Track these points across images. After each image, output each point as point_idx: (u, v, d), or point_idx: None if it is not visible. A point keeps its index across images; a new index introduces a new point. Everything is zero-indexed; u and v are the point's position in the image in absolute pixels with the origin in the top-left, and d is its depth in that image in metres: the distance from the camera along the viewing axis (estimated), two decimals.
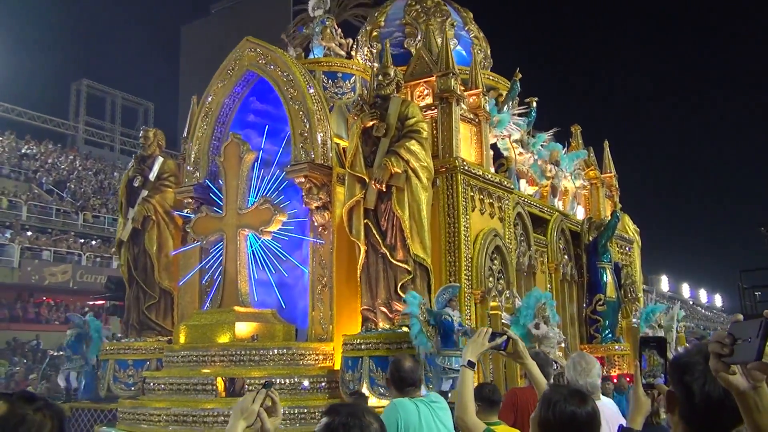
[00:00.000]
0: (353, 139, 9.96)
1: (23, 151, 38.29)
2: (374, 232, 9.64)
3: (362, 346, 9.20)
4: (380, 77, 10.15)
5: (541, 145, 14.46)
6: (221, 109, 11.58)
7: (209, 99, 11.66)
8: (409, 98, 11.19)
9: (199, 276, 11.54)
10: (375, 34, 14.72)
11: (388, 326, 9.33)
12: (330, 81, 11.96)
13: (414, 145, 9.63)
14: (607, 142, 16.58)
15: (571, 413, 2.67)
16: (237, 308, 9.99)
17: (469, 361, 3.44)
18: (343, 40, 12.57)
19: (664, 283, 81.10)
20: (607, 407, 4.12)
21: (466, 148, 11.14)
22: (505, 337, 3.55)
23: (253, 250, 10.70)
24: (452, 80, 10.72)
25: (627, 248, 15.95)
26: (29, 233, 30.81)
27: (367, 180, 9.71)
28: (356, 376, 9.15)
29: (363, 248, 9.70)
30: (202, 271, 11.44)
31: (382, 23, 14.89)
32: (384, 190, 9.61)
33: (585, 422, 2.68)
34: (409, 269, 9.42)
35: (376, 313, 9.52)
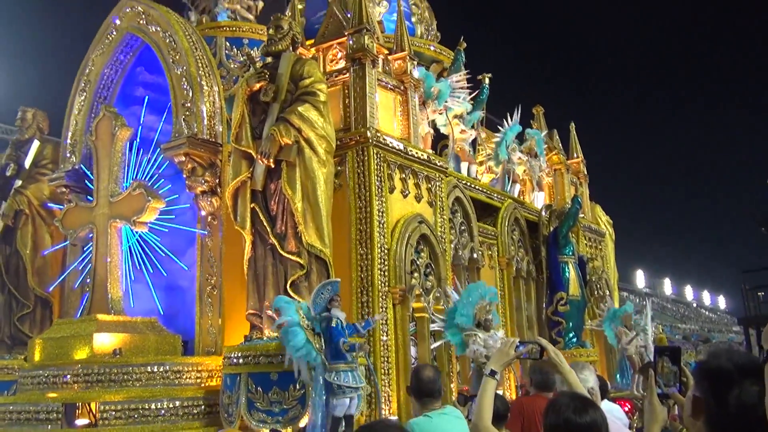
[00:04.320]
0: (238, 106, 8.13)
1: None
2: (262, 218, 7.82)
3: (241, 361, 7.36)
4: (271, 31, 8.35)
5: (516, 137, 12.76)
6: (101, 80, 9.79)
7: (87, 69, 9.87)
8: (321, 64, 9.42)
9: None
10: (300, 7, 12.96)
11: (275, 335, 7.48)
12: (235, 49, 10.20)
13: (308, 111, 7.82)
14: (573, 124, 14.80)
15: (565, 420, 2.67)
16: (99, 316, 8.16)
17: (492, 370, 3.34)
18: (251, 2, 10.83)
19: (667, 286, 79.26)
20: (610, 413, 3.67)
21: (387, 119, 9.33)
22: (530, 346, 3.39)
23: (129, 246, 8.90)
24: (366, 38, 8.92)
25: (598, 241, 14.12)
26: None
27: (255, 155, 7.91)
28: (234, 398, 7.31)
29: (249, 239, 7.88)
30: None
31: None
32: (273, 166, 7.81)
33: (581, 430, 2.64)
34: (302, 263, 7.59)
35: (264, 318, 7.69)
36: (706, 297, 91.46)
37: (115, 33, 9.71)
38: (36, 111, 10.69)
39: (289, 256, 7.61)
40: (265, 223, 7.79)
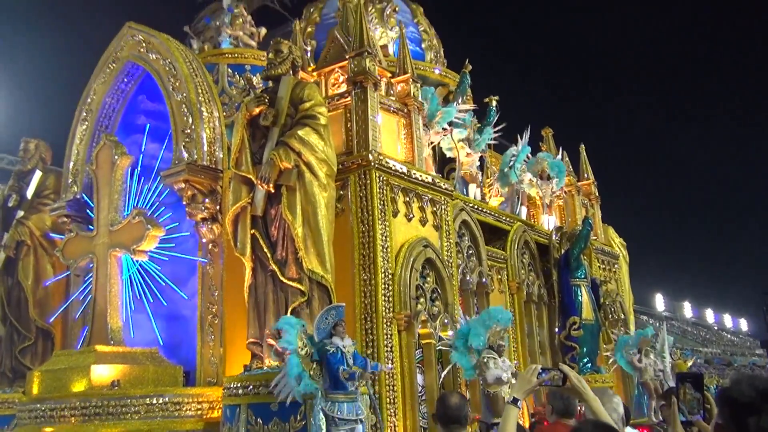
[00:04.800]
0: (238, 131, 8.02)
1: None
2: (262, 244, 7.65)
3: (240, 391, 7.15)
4: (271, 55, 8.27)
5: (527, 157, 12.61)
6: (102, 109, 9.75)
7: (89, 98, 9.84)
8: (323, 88, 9.33)
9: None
10: (310, 30, 12.98)
11: (276, 364, 7.26)
12: (237, 75, 10.13)
13: (309, 134, 7.69)
14: (583, 145, 14.59)
15: None
16: (98, 347, 7.99)
17: (514, 398, 3.30)
18: (254, 29, 10.80)
19: (687, 309, 78.17)
20: None
21: (390, 142, 9.19)
22: (553, 373, 3.36)
23: (130, 276, 8.75)
24: (367, 60, 8.82)
25: (612, 264, 13.81)
26: None
27: (255, 180, 7.77)
28: (234, 429, 7.08)
29: (249, 265, 7.71)
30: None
31: (318, 19, 13.18)
32: (273, 191, 7.66)
33: None
34: (303, 289, 7.40)
35: (264, 347, 7.48)
36: (728, 320, 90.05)
37: (116, 62, 9.67)
38: (38, 142, 10.65)
39: (290, 283, 7.42)
40: (265, 249, 7.62)
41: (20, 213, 10.02)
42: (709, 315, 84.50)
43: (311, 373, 6.39)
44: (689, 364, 16.38)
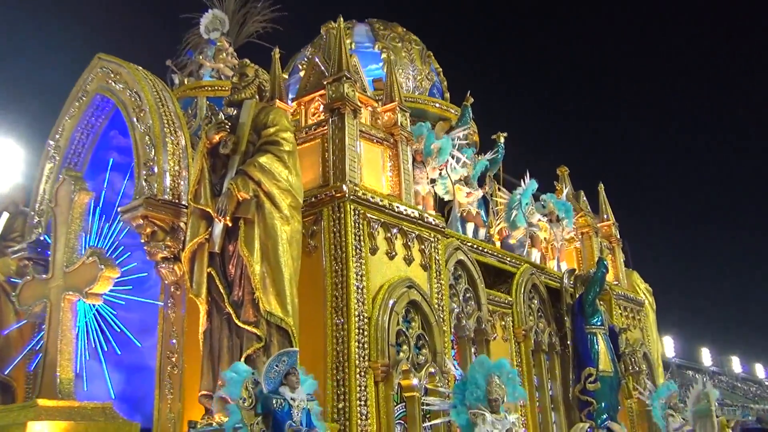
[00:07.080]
0: (198, 161, 7.34)
1: None
2: (218, 284, 6.87)
3: None
4: (235, 79, 7.63)
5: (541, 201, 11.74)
6: (71, 146, 9.17)
7: (58, 134, 9.28)
8: (303, 119, 8.64)
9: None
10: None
11: (226, 419, 6.36)
12: (217, 109, 9.50)
13: (271, 161, 6.95)
14: (602, 185, 13.63)
15: None
16: (40, 402, 7.17)
17: None
18: (236, 61, 10.19)
19: (736, 364, 74.69)
20: None
21: (374, 175, 8.42)
22: None
23: (86, 322, 8.00)
24: (346, 86, 8.12)
25: (636, 311, 12.64)
26: None
27: (213, 214, 7.02)
28: None
29: (204, 308, 6.91)
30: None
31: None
32: (231, 224, 6.90)
33: None
34: (260, 334, 6.54)
35: (215, 400, 6.59)
36: None
37: (85, 95, 9.13)
38: (15, 184, 10.10)
39: (245, 327, 6.58)
40: (221, 290, 6.84)
41: None
42: (760, 370, 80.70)
43: (254, 428, 5.49)
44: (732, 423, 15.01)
